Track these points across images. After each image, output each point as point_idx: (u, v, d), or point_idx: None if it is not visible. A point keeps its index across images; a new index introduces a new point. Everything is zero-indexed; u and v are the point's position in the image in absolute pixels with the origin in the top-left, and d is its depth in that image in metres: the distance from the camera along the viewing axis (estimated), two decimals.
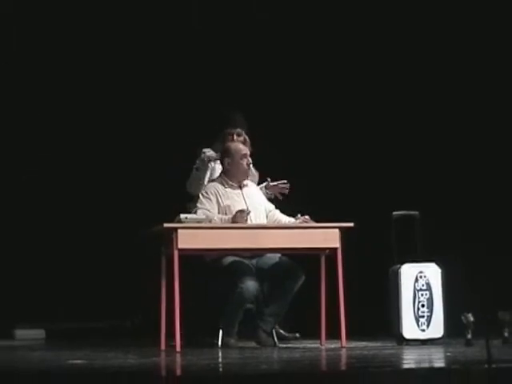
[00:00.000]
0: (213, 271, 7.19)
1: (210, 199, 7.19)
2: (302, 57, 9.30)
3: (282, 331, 7.44)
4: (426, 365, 5.56)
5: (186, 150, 7.88)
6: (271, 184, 7.60)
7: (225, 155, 7.33)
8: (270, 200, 7.53)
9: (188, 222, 6.85)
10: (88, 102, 9.53)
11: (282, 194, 7.61)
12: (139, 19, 9.55)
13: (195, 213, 7.06)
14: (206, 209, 7.11)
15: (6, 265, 8.83)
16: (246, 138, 7.55)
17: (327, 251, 7.09)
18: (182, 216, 6.85)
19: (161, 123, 9.35)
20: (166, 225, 6.79)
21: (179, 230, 6.76)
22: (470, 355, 5.78)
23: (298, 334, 7.50)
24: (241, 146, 7.36)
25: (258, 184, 7.67)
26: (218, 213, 7.13)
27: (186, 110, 9.29)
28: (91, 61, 9.53)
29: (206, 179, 7.56)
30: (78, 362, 5.80)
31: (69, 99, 9.52)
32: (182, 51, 9.49)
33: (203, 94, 9.28)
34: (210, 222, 7.02)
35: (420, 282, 7.15)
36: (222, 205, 7.20)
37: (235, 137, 7.52)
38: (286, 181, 7.58)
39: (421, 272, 7.16)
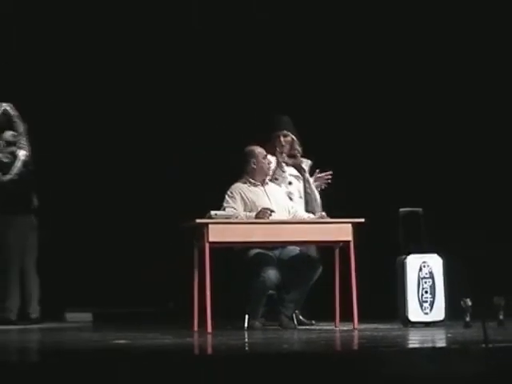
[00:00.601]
0: (239, 262, 7.19)
1: (235, 198, 7.19)
2: (316, 55, 9.14)
3: (301, 317, 7.44)
4: (429, 345, 5.54)
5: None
6: (318, 176, 7.59)
7: (250, 157, 7.33)
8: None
9: (217, 218, 6.86)
10: (125, 102, 9.39)
11: (327, 184, 7.62)
12: (149, 20, 9.28)
13: (224, 210, 7.07)
14: (231, 207, 7.11)
15: (59, 255, 8.84)
16: (294, 137, 7.57)
17: (341, 244, 7.08)
18: (212, 212, 6.86)
19: (206, 128, 9.21)
20: (198, 220, 6.80)
21: (210, 225, 6.77)
22: (468, 336, 5.76)
23: (313, 321, 7.51)
24: (261, 148, 7.35)
25: (311, 172, 7.63)
26: (245, 210, 7.13)
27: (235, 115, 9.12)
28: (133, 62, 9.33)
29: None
30: (121, 341, 5.82)
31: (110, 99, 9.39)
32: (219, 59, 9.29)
33: (247, 99, 9.15)
34: (237, 218, 7.02)
35: (424, 270, 7.13)
36: (247, 202, 7.19)
37: (282, 138, 7.55)
38: (330, 172, 7.58)
39: (424, 262, 7.16)
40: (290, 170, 7.56)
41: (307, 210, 7.46)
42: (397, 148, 8.88)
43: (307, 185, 7.58)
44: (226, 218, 6.92)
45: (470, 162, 8.52)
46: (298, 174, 7.57)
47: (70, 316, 8.87)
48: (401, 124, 8.82)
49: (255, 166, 7.32)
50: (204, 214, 6.88)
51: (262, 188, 7.32)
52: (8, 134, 8.50)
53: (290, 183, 7.52)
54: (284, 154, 7.53)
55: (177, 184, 9.09)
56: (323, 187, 7.63)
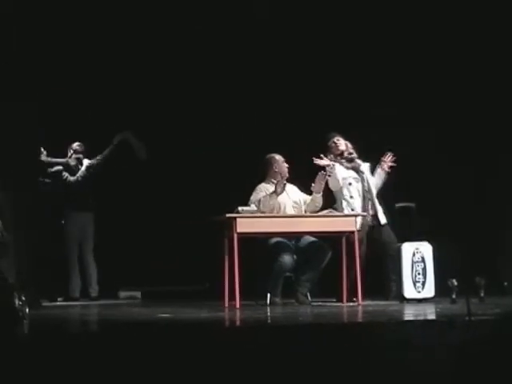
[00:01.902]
0: (262, 248, 7.18)
1: (259, 194, 7.18)
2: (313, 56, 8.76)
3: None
4: (422, 317, 5.54)
5: None
6: (382, 162, 7.42)
7: (273, 162, 7.35)
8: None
9: (244, 213, 6.86)
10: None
11: (391, 167, 7.44)
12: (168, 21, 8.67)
13: (249, 205, 7.07)
14: (256, 199, 7.11)
15: (113, 244, 8.80)
16: (347, 142, 7.45)
17: (347, 233, 7.04)
18: (240, 208, 6.88)
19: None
20: (228, 215, 6.81)
21: (238, 219, 6.77)
22: (454, 310, 5.73)
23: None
24: (278, 155, 7.33)
25: (372, 170, 7.51)
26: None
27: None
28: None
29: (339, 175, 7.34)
30: (165, 315, 5.82)
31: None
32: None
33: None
34: (259, 201, 7.00)
35: (416, 256, 7.10)
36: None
37: (336, 141, 7.44)
38: (389, 153, 7.40)
39: (417, 248, 7.13)
40: (350, 173, 7.41)
41: (364, 207, 7.31)
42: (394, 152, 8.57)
43: (365, 184, 7.42)
44: (252, 213, 6.92)
45: (457, 166, 8.34)
46: (356, 176, 7.41)
47: (122, 294, 8.89)
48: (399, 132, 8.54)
49: (277, 170, 7.34)
50: (232, 209, 6.89)
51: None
52: (75, 144, 8.63)
53: (349, 184, 7.38)
54: (342, 159, 7.39)
55: (210, 184, 8.95)
56: (387, 170, 7.41)
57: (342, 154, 7.44)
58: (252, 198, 7.19)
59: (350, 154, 7.46)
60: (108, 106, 8.83)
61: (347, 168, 7.43)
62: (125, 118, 8.83)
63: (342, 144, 7.46)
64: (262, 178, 7.41)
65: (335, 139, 7.47)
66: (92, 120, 8.69)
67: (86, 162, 8.63)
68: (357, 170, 7.44)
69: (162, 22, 8.77)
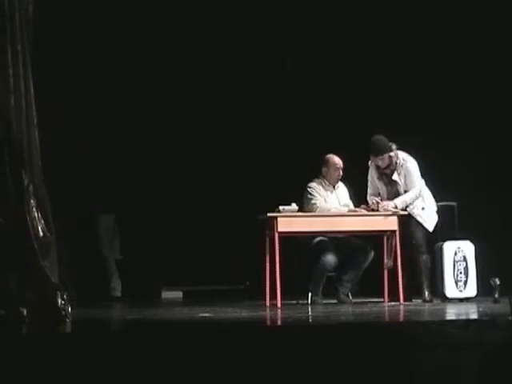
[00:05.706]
0: (304, 248, 7.16)
1: (316, 193, 7.13)
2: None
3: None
4: (464, 317, 5.47)
5: None
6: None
7: (324, 164, 7.24)
8: None
9: (285, 212, 6.85)
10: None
11: None
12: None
13: (311, 203, 7.03)
14: (318, 200, 7.06)
15: (155, 243, 8.84)
16: (389, 155, 7.05)
17: (388, 232, 6.99)
18: (281, 208, 6.87)
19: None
20: (269, 214, 6.82)
21: (279, 218, 6.77)
22: (497, 310, 5.67)
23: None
24: (336, 159, 7.19)
25: None
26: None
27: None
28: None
29: None
30: (206, 314, 5.83)
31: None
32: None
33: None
34: (329, 210, 7.00)
35: (458, 255, 7.05)
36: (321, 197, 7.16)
37: (379, 161, 7.10)
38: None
39: (458, 247, 7.08)
40: None
41: None
42: (432, 152, 8.44)
43: None
44: (292, 212, 6.90)
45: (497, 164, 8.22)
46: None
47: (164, 294, 8.94)
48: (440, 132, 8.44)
49: (325, 174, 7.23)
50: (274, 208, 6.87)
51: (333, 190, 7.22)
52: None
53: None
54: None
55: (252, 183, 8.91)
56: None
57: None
58: (311, 196, 7.06)
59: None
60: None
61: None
62: (164, 117, 8.85)
63: (380, 160, 7.08)
64: (317, 173, 7.28)
65: (377, 159, 7.07)
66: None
67: None
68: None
69: (163, 26, 8.68)
